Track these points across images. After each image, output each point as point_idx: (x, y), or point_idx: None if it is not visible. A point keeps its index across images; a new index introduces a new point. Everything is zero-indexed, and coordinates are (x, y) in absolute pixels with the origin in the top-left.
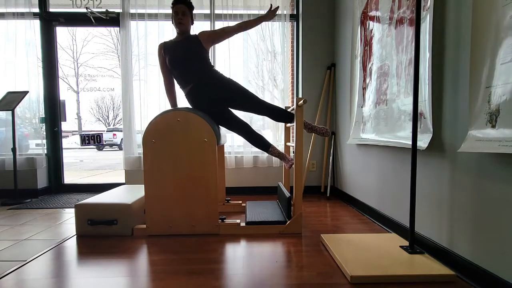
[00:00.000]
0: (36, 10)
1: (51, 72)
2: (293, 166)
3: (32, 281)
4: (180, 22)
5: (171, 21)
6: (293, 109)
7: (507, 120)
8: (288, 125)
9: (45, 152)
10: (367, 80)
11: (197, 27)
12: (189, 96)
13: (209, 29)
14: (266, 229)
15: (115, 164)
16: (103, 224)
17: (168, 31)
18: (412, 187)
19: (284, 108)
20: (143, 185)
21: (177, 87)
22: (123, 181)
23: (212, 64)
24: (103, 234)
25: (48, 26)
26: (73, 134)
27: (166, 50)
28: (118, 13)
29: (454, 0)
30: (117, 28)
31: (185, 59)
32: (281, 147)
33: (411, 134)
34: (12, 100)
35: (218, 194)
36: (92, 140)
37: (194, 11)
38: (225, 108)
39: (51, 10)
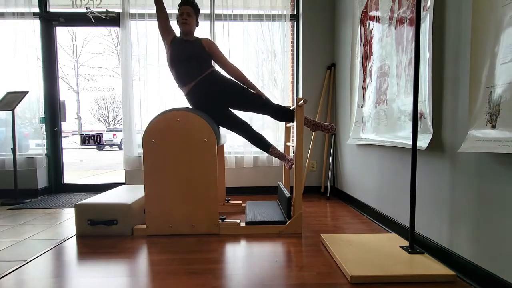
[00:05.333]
0: (36, 10)
1: (51, 72)
2: (293, 166)
3: (32, 281)
4: (184, 23)
5: (176, 22)
6: (293, 109)
7: (507, 120)
8: (289, 125)
9: (45, 152)
10: (367, 80)
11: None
12: (189, 96)
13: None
14: (266, 229)
15: (115, 164)
16: (103, 224)
17: None
18: (412, 187)
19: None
20: (143, 185)
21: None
22: (123, 181)
23: (212, 65)
24: (103, 234)
25: (48, 26)
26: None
27: (173, 42)
28: (118, 13)
29: (454, 0)
30: (117, 28)
31: (187, 59)
32: (281, 147)
33: (411, 134)
34: (12, 100)
35: (218, 194)
36: (92, 140)
37: None
38: (225, 108)
39: (51, 10)
